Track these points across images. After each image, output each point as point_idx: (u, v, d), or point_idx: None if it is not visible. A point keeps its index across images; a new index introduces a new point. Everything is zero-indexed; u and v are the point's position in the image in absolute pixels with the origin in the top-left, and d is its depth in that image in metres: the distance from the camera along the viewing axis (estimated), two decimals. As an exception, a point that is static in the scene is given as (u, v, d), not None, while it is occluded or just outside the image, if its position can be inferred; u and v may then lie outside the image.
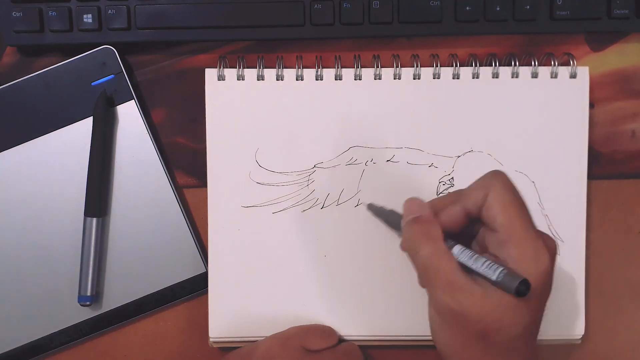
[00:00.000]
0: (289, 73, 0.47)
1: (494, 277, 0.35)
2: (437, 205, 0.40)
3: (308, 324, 0.47)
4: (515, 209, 0.37)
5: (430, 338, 0.48)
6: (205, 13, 0.47)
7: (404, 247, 0.39)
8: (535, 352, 0.39)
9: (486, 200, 0.37)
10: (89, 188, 0.47)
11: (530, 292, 0.35)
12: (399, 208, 0.42)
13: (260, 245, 0.47)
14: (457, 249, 0.38)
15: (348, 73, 0.47)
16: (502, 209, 0.37)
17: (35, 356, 0.48)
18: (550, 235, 0.47)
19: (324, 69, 0.47)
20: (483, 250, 0.39)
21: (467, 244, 0.40)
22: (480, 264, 0.36)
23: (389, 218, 0.44)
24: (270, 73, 0.47)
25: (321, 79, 0.47)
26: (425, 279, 0.38)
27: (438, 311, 0.38)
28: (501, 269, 0.35)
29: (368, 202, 0.46)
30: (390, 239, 0.47)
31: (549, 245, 0.37)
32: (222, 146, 0.47)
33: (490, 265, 0.36)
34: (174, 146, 0.49)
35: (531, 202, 0.47)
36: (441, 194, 0.47)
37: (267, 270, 0.47)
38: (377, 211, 0.45)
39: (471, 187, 0.39)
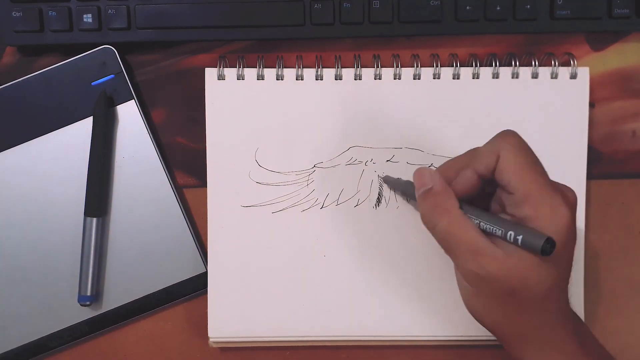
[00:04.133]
0: (289, 73, 0.47)
1: (518, 241, 0.35)
2: (448, 172, 0.40)
3: (307, 323, 0.47)
4: (528, 169, 0.37)
5: (429, 338, 0.48)
6: (205, 13, 0.47)
7: (422, 221, 0.40)
8: (568, 306, 0.39)
9: (498, 163, 0.37)
10: (89, 188, 0.47)
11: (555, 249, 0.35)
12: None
13: (260, 245, 0.47)
14: (476, 215, 0.38)
15: (348, 73, 0.47)
16: (514, 171, 0.37)
17: (35, 356, 0.48)
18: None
19: (324, 69, 0.47)
20: (502, 209, 0.39)
21: (487, 203, 0.40)
22: (501, 229, 0.36)
23: (406, 190, 0.45)
24: (270, 73, 0.47)
25: (321, 79, 0.47)
26: (447, 250, 0.38)
27: (465, 278, 0.38)
28: (522, 231, 0.35)
29: (384, 175, 0.47)
30: (389, 240, 0.47)
31: (568, 198, 0.37)
32: (222, 146, 0.47)
33: (511, 228, 0.36)
34: (174, 146, 0.49)
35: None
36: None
37: (267, 270, 0.47)
38: (393, 183, 0.46)
39: (482, 150, 0.39)
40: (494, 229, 0.37)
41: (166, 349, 0.49)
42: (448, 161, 0.41)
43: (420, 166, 0.43)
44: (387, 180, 0.47)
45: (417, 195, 0.40)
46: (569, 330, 0.39)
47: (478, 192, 0.39)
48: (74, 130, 0.48)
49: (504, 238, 0.36)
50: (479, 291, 0.38)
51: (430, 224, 0.39)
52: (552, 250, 0.35)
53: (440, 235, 0.38)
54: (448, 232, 0.38)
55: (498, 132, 0.47)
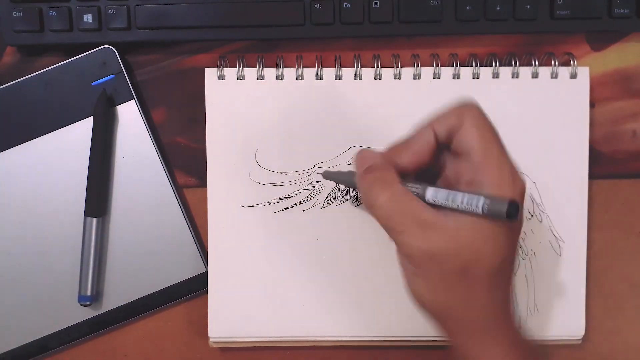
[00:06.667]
0: (289, 73, 0.47)
1: (479, 208, 0.33)
2: (393, 150, 0.38)
3: (308, 323, 0.47)
4: (492, 134, 0.36)
5: (430, 338, 0.48)
6: (205, 13, 0.47)
7: (363, 202, 0.37)
8: (511, 290, 0.37)
9: (462, 125, 0.36)
10: (89, 188, 0.47)
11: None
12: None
13: (260, 245, 0.47)
14: (430, 192, 0.36)
15: (348, 73, 0.47)
16: (479, 132, 0.35)
17: (35, 356, 0.48)
18: (553, 235, 0.47)
19: (324, 69, 0.47)
20: (450, 179, 0.37)
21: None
22: (459, 200, 0.34)
23: (348, 179, 0.41)
24: (270, 73, 0.47)
25: (321, 79, 0.47)
26: (390, 228, 0.36)
27: (410, 257, 0.35)
28: (483, 197, 0.33)
29: (324, 171, 0.46)
30: (389, 240, 0.47)
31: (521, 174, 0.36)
32: (222, 146, 0.47)
33: (470, 197, 0.34)
34: (174, 146, 0.49)
35: (531, 202, 0.47)
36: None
37: (267, 270, 0.47)
38: (334, 176, 0.44)
39: (444, 114, 0.37)
40: (452, 202, 0.34)
41: (166, 349, 0.49)
42: (394, 143, 0.39)
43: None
44: (328, 175, 0.44)
45: (357, 176, 0.38)
46: (513, 316, 0.37)
47: (427, 170, 0.38)
48: (74, 130, 0.48)
49: (465, 210, 0.34)
50: (425, 271, 0.35)
51: (370, 201, 0.36)
52: (517, 214, 0.33)
53: (381, 211, 0.36)
54: (390, 206, 0.35)
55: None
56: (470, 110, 0.36)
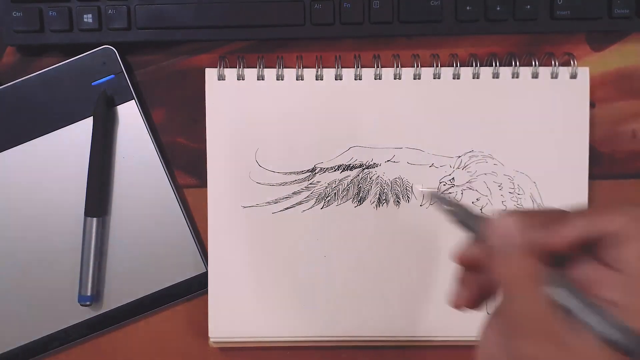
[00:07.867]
0: (289, 73, 0.47)
1: (609, 334, 0.28)
2: (535, 222, 0.32)
3: (308, 323, 0.47)
4: None
5: (429, 338, 0.48)
6: (205, 13, 0.47)
7: (500, 282, 0.31)
8: None
9: (624, 237, 0.30)
10: (89, 188, 0.47)
11: None
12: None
13: (260, 245, 0.47)
14: (563, 292, 0.30)
15: (348, 73, 0.47)
16: None
17: (35, 356, 0.48)
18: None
19: (324, 69, 0.47)
20: (578, 282, 0.31)
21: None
22: (592, 318, 0.29)
23: (465, 219, 0.33)
24: (270, 73, 0.47)
25: (321, 79, 0.47)
26: (513, 326, 0.30)
27: (510, 325, 0.30)
28: (622, 327, 0.28)
29: (430, 191, 0.43)
30: (389, 240, 0.47)
31: None
32: (222, 146, 0.47)
33: (606, 322, 0.29)
34: (174, 146, 0.49)
35: (531, 202, 0.47)
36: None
37: (267, 270, 0.47)
38: (448, 205, 0.34)
39: (603, 213, 0.31)
40: (587, 316, 0.29)
41: (166, 349, 0.49)
42: (534, 212, 0.34)
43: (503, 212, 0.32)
44: (438, 197, 0.35)
45: (496, 249, 0.31)
46: None
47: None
48: (74, 130, 0.48)
49: (586, 323, 0.29)
50: (506, 346, 0.30)
51: (508, 291, 0.31)
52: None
53: (515, 308, 0.30)
54: (528, 309, 0.30)
55: (497, 132, 0.47)
56: (638, 219, 0.30)
